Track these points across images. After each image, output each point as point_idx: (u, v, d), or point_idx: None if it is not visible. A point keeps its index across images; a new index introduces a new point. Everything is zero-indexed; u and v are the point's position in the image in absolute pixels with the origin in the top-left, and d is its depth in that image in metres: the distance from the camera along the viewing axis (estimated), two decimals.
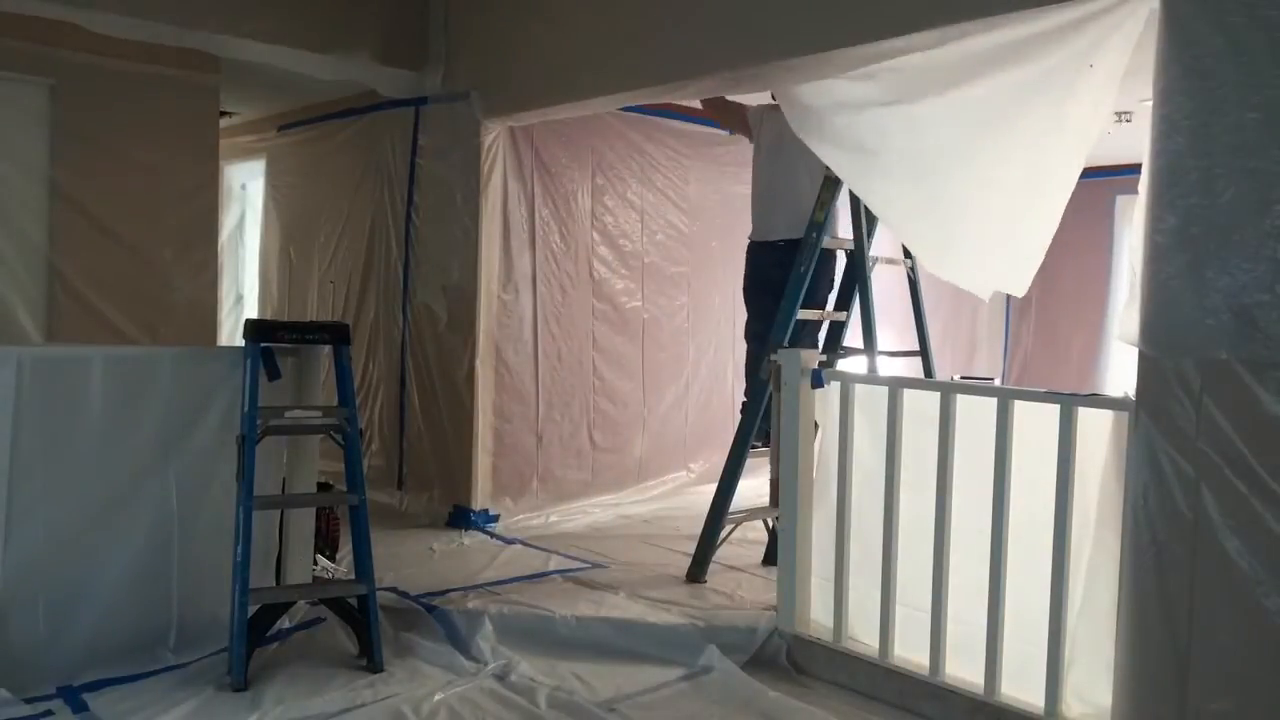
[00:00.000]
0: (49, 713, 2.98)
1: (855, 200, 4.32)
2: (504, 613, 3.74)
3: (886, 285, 4.98)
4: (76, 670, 3.20)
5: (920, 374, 4.64)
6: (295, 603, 3.64)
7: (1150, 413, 2.45)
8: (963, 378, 6.67)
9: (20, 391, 3.15)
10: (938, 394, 3.15)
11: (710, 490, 4.57)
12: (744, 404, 4.78)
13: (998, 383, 7.05)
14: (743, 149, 5.35)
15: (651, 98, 4.87)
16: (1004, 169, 3.54)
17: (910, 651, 3.25)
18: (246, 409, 3.34)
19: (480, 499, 5.29)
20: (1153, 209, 2.46)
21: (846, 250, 4.57)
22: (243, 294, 7.58)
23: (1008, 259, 3.69)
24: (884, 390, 3.31)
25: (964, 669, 3.10)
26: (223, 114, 6.08)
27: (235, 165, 7.32)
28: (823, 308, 4.71)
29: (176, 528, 3.46)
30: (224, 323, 6.98)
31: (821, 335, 4.79)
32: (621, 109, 5.60)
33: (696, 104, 5.37)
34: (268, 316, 6.88)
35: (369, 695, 3.16)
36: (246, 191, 7.63)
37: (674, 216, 6.35)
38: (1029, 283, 3.72)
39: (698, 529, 4.46)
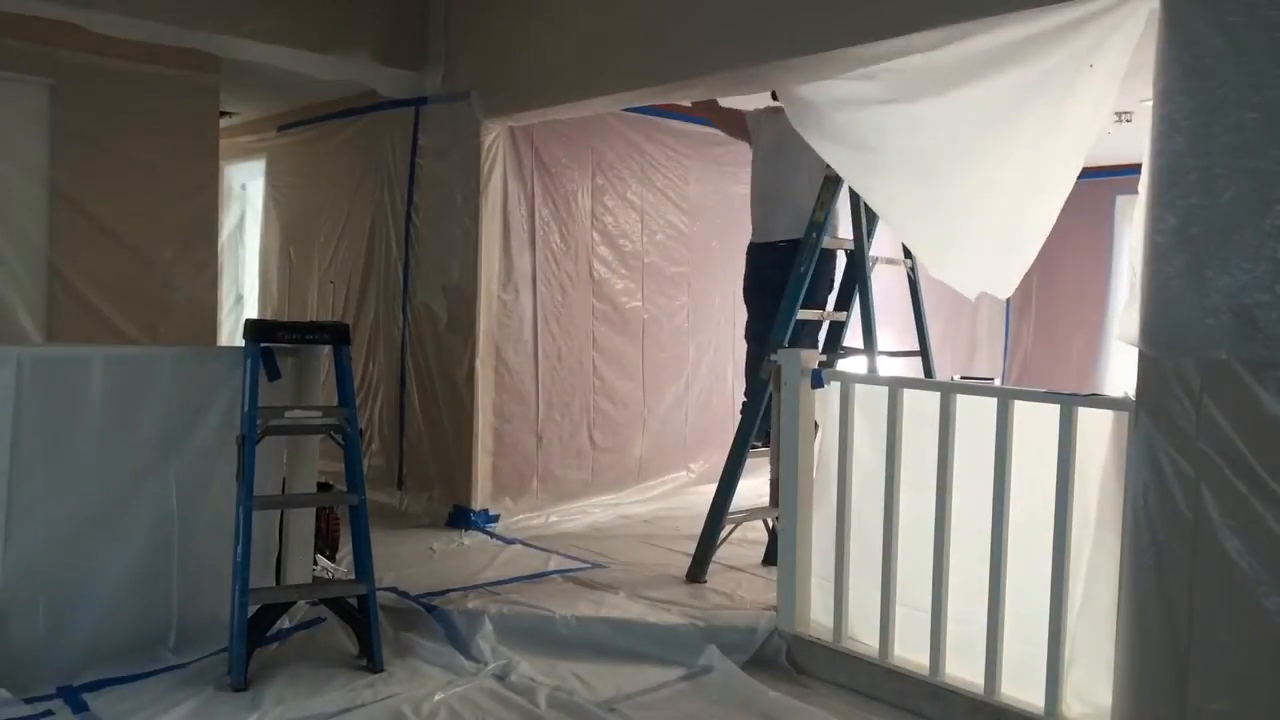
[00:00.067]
0: (49, 713, 2.98)
1: (855, 200, 4.32)
2: (504, 613, 3.74)
3: (886, 285, 4.98)
4: (76, 670, 3.20)
5: (920, 374, 4.64)
6: (295, 603, 3.64)
7: (1150, 413, 2.45)
8: (963, 378, 6.68)
9: (20, 391, 3.15)
10: (938, 394, 3.15)
11: (710, 490, 4.57)
12: (744, 404, 4.77)
13: (998, 383, 7.05)
14: (743, 149, 5.35)
15: (652, 98, 4.88)
16: (1004, 169, 3.53)
17: (910, 651, 3.25)
18: (246, 409, 3.34)
19: (480, 499, 5.29)
20: (1153, 209, 2.46)
21: (846, 250, 4.57)
22: (243, 294, 7.57)
23: (1001, 260, 3.69)
24: (884, 390, 3.30)
25: (964, 669, 3.10)
26: (223, 114, 6.08)
27: (235, 165, 7.32)
28: (823, 308, 4.70)
29: (176, 528, 3.46)
30: (224, 323, 6.98)
31: (821, 335, 4.79)
32: (621, 109, 5.60)
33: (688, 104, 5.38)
34: (268, 316, 6.88)
35: (369, 695, 3.15)
36: (246, 191, 7.63)
37: (674, 216, 6.35)
38: (1016, 285, 3.72)
39: (698, 529, 4.46)
